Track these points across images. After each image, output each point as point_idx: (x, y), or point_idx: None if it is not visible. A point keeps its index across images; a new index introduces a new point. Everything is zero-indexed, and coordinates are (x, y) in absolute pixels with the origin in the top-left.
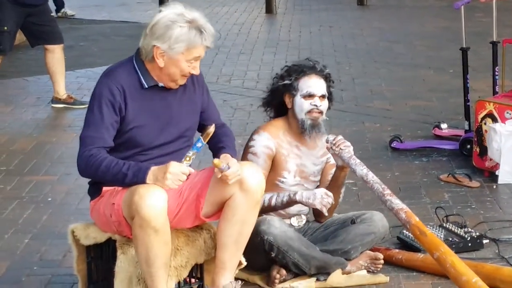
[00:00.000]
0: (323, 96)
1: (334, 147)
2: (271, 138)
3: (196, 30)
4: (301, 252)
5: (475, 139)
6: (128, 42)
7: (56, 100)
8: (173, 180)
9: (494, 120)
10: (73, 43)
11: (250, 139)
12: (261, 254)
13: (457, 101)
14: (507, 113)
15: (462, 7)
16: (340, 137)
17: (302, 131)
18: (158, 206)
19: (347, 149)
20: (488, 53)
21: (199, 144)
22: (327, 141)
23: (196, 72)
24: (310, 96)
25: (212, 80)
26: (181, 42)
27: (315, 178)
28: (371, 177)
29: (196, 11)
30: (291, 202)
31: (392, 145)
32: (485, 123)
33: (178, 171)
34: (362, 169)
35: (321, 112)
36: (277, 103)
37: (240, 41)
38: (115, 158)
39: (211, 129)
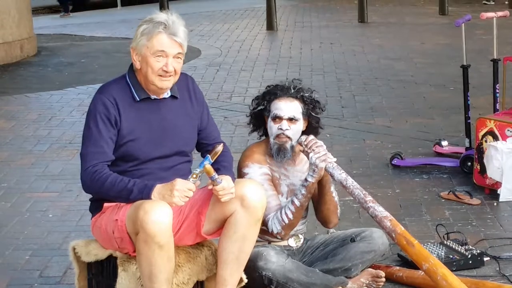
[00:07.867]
0: (291, 119)
1: (306, 149)
2: (262, 166)
3: (158, 23)
4: (301, 281)
5: (476, 157)
6: (128, 59)
7: None
8: (180, 197)
9: (495, 137)
10: (74, 60)
11: (242, 173)
12: (260, 286)
13: (458, 119)
14: (508, 130)
15: (463, 24)
16: (311, 137)
17: (271, 155)
18: (163, 221)
19: (321, 150)
20: (489, 70)
21: (206, 162)
22: (300, 144)
23: (167, 68)
24: (276, 118)
25: (213, 97)
26: (144, 35)
27: None
28: (351, 182)
29: (174, 14)
30: (309, 187)
31: (392, 162)
32: (485, 141)
33: (184, 187)
34: (340, 173)
35: (288, 137)
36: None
37: (241, 58)
38: (119, 174)
39: (219, 148)
